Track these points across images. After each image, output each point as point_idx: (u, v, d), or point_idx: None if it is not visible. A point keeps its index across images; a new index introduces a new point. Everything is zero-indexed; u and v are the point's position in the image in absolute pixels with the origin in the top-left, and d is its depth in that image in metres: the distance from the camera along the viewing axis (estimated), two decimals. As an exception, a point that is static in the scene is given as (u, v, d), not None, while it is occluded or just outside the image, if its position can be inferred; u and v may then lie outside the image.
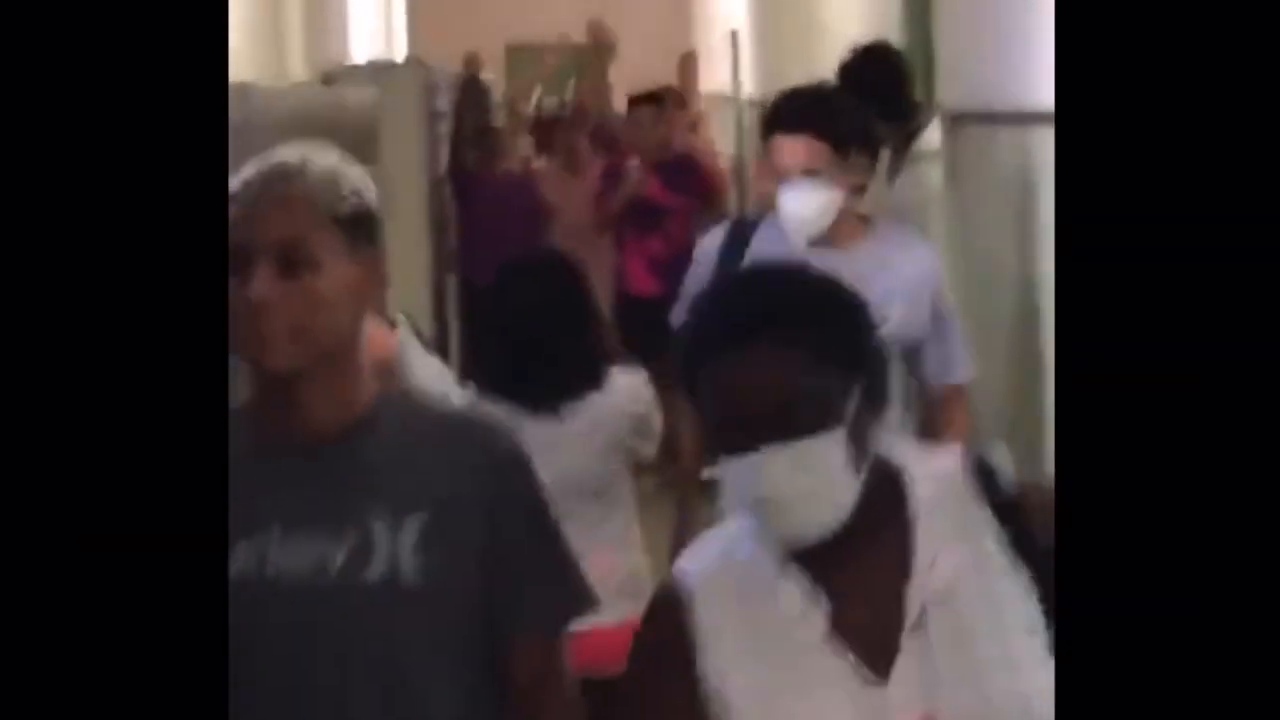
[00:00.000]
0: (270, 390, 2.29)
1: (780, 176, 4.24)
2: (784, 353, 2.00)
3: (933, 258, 4.44)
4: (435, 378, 4.71)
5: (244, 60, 8.36)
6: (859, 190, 4.34)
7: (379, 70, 10.79)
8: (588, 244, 8.65)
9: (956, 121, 6.59)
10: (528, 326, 4.43)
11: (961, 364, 4.43)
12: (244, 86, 6.31)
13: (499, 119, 11.34)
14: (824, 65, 9.05)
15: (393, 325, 4.70)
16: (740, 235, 4.44)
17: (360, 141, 7.61)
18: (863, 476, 2.04)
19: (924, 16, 7.44)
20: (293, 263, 2.20)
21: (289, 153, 2.30)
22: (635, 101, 9.85)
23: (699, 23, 17.84)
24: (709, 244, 4.54)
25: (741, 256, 4.30)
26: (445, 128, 10.50)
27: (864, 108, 4.48)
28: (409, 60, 13.44)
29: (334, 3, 12.99)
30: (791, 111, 4.31)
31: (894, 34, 7.67)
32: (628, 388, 4.60)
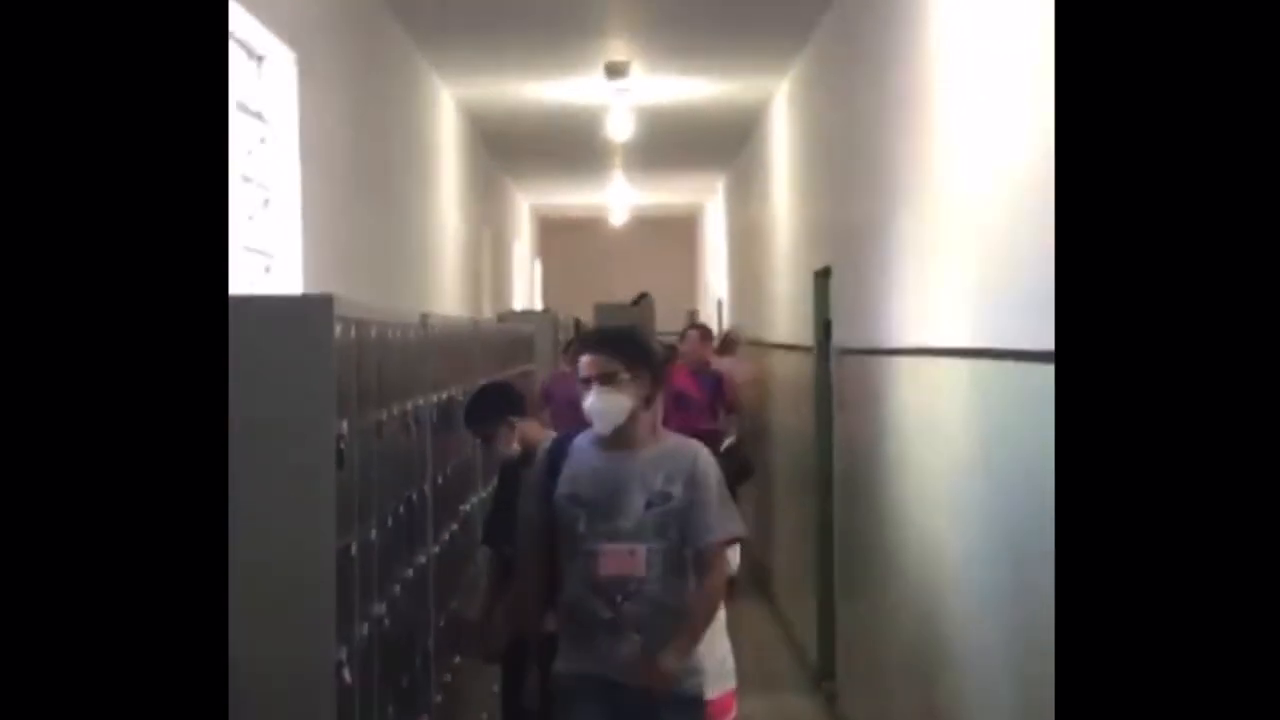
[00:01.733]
0: None
1: (586, 382, 4.11)
2: None
3: (701, 453, 4.19)
4: None
5: (462, 305, 10.28)
6: (647, 402, 4.14)
7: (532, 314, 12.41)
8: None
9: (845, 353, 7.23)
10: None
11: (716, 530, 4.12)
12: (478, 319, 7.93)
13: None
14: (769, 321, 10.76)
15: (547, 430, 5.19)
16: (565, 440, 4.26)
17: (523, 352, 8.83)
18: None
19: (824, 301, 7.92)
20: None
21: None
22: (690, 328, 10.35)
23: (700, 290, 19.73)
24: (545, 445, 4.38)
25: (564, 453, 4.18)
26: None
27: (648, 344, 4.29)
28: (546, 310, 14.34)
29: (504, 279, 14.42)
30: (595, 339, 4.28)
31: (811, 304, 8.42)
32: None
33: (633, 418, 4.10)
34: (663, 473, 4.08)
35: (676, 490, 4.06)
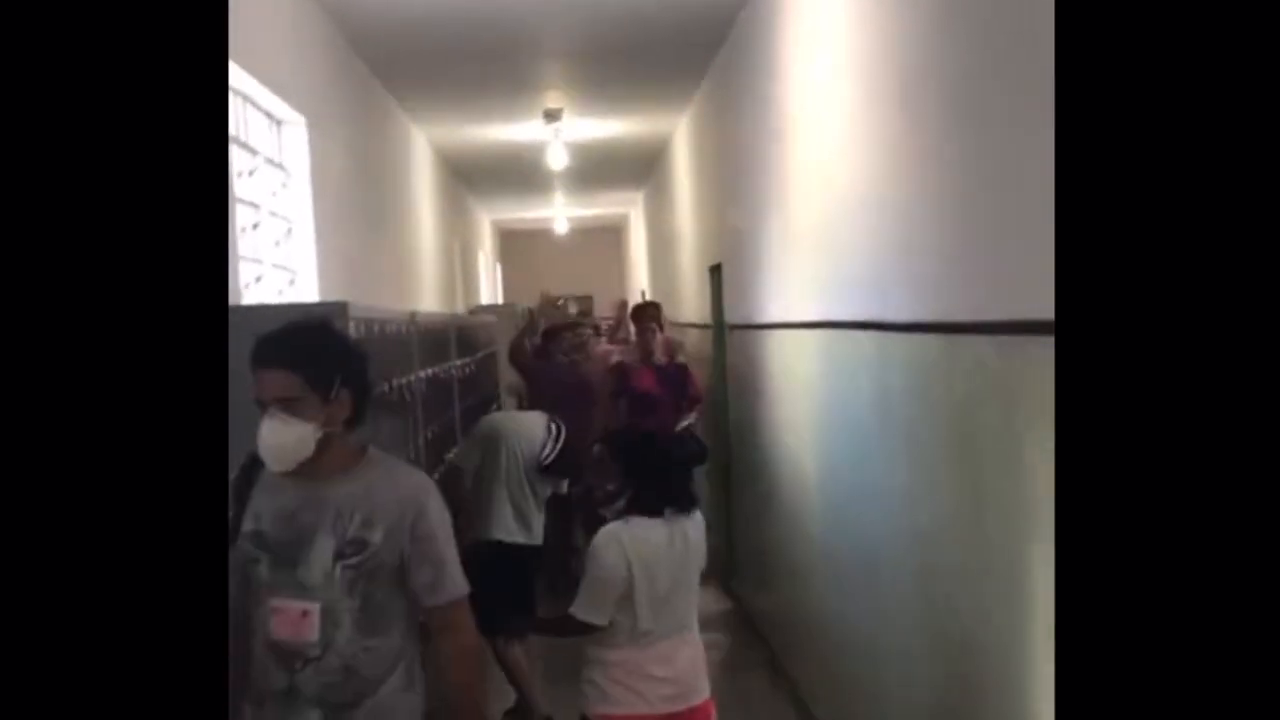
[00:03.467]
0: None
1: (263, 406, 2.56)
2: None
3: (422, 484, 2.69)
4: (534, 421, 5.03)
5: (440, 302, 10.11)
6: (348, 424, 2.63)
7: (495, 307, 11.66)
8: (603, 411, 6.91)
9: (732, 328, 7.17)
10: (675, 470, 3.59)
11: (448, 585, 2.65)
12: (453, 313, 7.88)
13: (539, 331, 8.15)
14: (680, 306, 10.09)
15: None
16: (259, 461, 2.64)
17: (489, 339, 8.36)
18: None
19: (719, 290, 7.81)
20: None
21: None
22: (644, 327, 7.54)
23: (629, 283, 18.79)
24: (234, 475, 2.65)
25: (252, 480, 2.69)
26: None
27: (346, 349, 2.67)
28: (507, 303, 13.90)
29: (473, 279, 14.07)
30: (269, 348, 2.58)
31: (706, 295, 8.36)
32: (698, 515, 3.58)
33: (324, 446, 2.59)
34: (360, 514, 2.60)
35: (375, 538, 2.59)
